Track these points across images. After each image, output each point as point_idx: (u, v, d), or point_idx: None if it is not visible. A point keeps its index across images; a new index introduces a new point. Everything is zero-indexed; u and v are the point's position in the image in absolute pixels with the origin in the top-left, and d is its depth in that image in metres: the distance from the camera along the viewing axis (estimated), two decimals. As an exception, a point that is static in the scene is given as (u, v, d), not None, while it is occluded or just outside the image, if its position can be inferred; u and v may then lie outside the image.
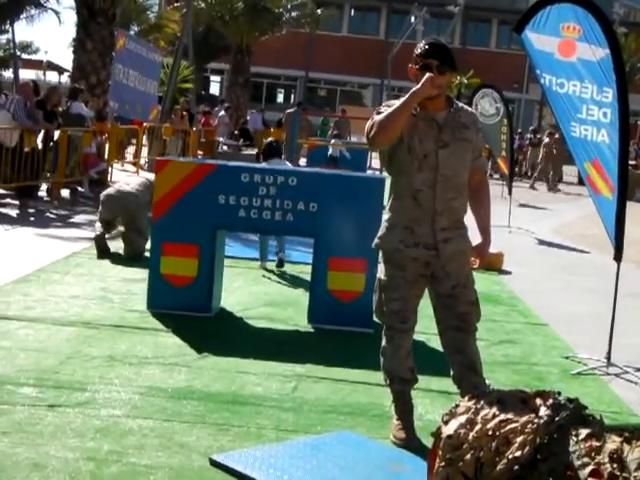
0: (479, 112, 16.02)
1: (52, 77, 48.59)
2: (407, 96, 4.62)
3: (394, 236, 4.76)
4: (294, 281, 9.04)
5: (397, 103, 4.63)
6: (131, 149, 21.71)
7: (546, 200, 23.01)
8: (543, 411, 3.40)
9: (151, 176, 9.54)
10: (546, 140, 28.51)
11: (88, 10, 18.53)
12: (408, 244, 4.73)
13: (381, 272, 4.87)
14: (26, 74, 44.40)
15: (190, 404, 5.14)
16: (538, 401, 3.48)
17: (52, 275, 8.46)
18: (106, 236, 9.81)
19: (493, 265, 10.19)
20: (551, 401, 3.46)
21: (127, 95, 19.22)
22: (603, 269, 10.12)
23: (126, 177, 10.51)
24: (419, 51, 4.71)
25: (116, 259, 9.46)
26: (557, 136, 25.58)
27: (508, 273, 10.75)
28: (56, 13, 35.81)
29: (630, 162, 19.95)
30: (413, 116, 4.69)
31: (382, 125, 4.60)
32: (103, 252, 9.61)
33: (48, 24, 38.30)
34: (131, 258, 9.44)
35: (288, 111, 27.49)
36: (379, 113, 4.69)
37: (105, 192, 10.02)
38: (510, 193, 16.25)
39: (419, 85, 4.58)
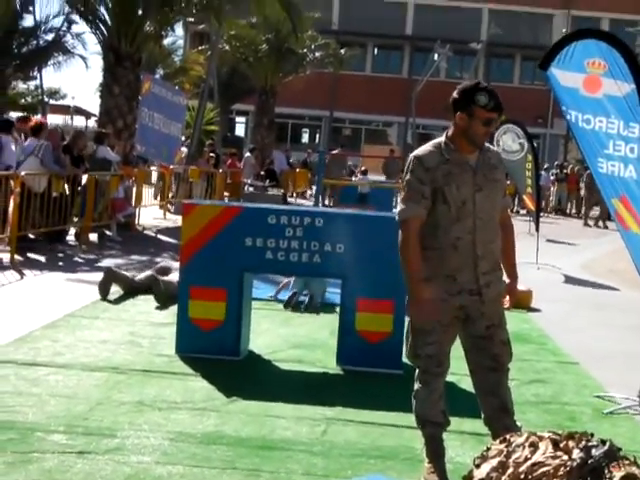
0: (501, 148, 15.99)
1: (79, 122, 49.11)
2: (413, 285, 4.66)
3: (437, 287, 4.68)
4: (321, 322, 9.01)
5: (411, 270, 4.65)
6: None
7: (573, 235, 22.89)
8: (576, 453, 3.35)
9: None
10: None
11: (114, 55, 18.73)
12: (452, 292, 4.69)
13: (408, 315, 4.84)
14: (54, 119, 44.93)
15: (220, 449, 5.12)
16: (570, 443, 3.43)
17: (81, 320, 8.49)
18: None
19: (522, 303, 10.12)
20: (584, 443, 3.41)
21: (152, 138, 19.42)
22: (633, 305, 10.05)
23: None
24: (479, 102, 4.57)
25: (144, 303, 9.49)
26: None
27: (537, 310, 10.68)
28: (83, 59, 36.11)
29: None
30: (446, 161, 4.67)
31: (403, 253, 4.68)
32: (106, 289, 9.74)
33: (75, 69, 38.89)
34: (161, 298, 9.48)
35: (333, 152, 28.08)
36: (411, 175, 4.68)
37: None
38: (537, 229, 16.17)
39: (415, 306, 4.66)
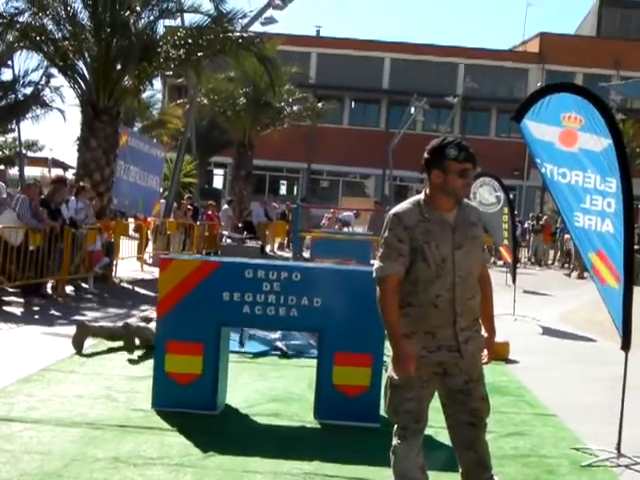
0: (478, 201, 16.11)
1: (57, 174, 49.10)
2: (395, 341, 4.64)
3: (416, 343, 4.68)
4: (299, 375, 8.97)
5: (391, 327, 4.66)
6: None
7: (550, 286, 22.98)
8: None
9: None
10: None
11: (93, 109, 18.77)
12: (431, 349, 4.69)
13: (392, 371, 4.81)
14: (31, 171, 44.90)
15: (196, 506, 5.07)
16: (548, 499, 3.42)
17: (56, 374, 8.42)
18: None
19: (499, 355, 10.10)
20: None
21: (127, 190, 19.50)
22: (611, 357, 10.05)
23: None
24: (450, 156, 4.62)
25: (120, 357, 9.43)
26: None
27: (515, 362, 10.68)
28: (61, 112, 36.24)
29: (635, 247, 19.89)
30: (425, 219, 4.69)
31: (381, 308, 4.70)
32: (79, 344, 9.67)
33: (53, 122, 38.96)
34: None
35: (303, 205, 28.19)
36: (389, 232, 4.71)
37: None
38: (514, 281, 16.24)
39: (400, 361, 4.62)
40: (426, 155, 4.74)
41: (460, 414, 4.82)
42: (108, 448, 6.11)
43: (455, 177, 4.64)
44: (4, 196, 14.47)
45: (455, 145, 4.66)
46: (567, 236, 29.23)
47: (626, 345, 6.82)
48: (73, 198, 15.69)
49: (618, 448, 6.69)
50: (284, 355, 9.85)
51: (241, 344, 10.08)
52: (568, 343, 13.15)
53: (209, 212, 26.84)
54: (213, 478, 5.60)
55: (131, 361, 9.24)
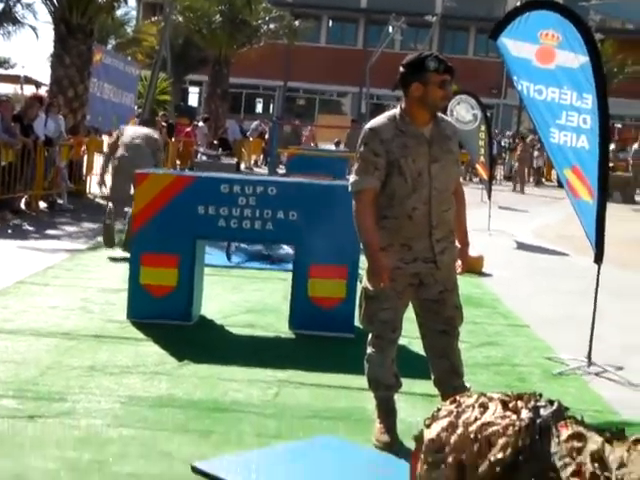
0: (455, 118, 16.05)
1: (29, 91, 48.31)
2: (371, 254, 4.63)
3: (392, 255, 4.69)
4: (274, 288, 9.01)
5: (368, 240, 4.66)
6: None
7: (525, 203, 23.08)
8: (524, 413, 3.38)
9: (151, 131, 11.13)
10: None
11: (66, 26, 18.42)
12: (407, 261, 4.71)
13: (367, 282, 4.84)
14: (3, 88, 44.17)
15: (171, 412, 5.11)
16: (519, 403, 3.46)
17: (31, 287, 8.41)
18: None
19: (474, 268, 10.15)
20: (532, 403, 3.44)
21: (101, 107, 19.38)
22: (583, 270, 10.18)
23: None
24: (431, 68, 4.58)
25: (95, 269, 9.43)
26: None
27: (489, 275, 10.78)
28: (33, 29, 35.52)
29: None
30: (401, 133, 4.67)
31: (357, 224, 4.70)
32: (110, 240, 10.28)
33: (25, 39, 38.32)
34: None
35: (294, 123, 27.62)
36: (365, 147, 4.69)
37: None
38: (490, 197, 16.30)
39: (376, 274, 4.62)
40: (403, 69, 4.70)
41: (434, 322, 4.87)
42: (84, 357, 6.14)
43: (435, 89, 4.63)
44: None
45: (434, 57, 4.65)
46: (518, 150, 30.11)
47: (599, 257, 6.88)
48: (43, 115, 15.48)
49: (589, 357, 6.80)
50: (269, 262, 10.06)
51: (228, 257, 10.30)
52: (542, 257, 13.29)
53: (187, 130, 26.73)
54: (188, 385, 5.64)
55: (105, 274, 9.24)
